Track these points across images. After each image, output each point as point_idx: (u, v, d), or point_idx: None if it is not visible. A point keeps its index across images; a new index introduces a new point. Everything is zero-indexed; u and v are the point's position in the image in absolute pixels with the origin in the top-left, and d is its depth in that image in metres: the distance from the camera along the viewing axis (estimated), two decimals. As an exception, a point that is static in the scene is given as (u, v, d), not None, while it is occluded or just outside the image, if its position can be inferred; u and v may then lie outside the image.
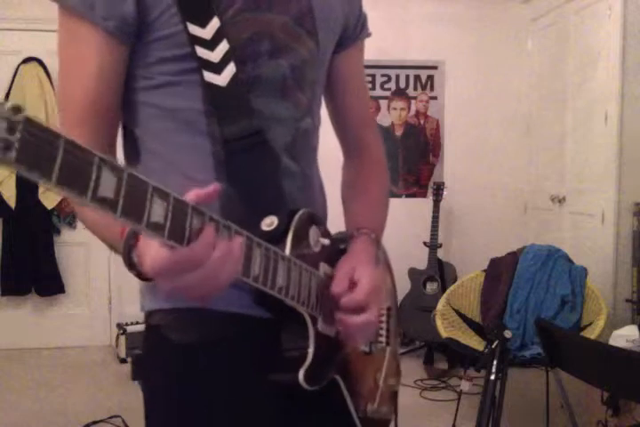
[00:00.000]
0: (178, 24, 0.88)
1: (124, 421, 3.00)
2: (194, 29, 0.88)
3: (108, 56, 0.89)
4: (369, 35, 1.14)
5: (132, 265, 0.72)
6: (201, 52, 0.88)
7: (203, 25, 0.88)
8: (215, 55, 0.89)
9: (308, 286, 0.86)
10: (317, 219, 0.93)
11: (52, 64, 4.08)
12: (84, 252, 4.27)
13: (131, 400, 3.22)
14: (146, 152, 0.95)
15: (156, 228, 0.60)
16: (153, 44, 0.90)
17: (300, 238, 0.87)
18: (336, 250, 0.99)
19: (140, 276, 0.73)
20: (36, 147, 0.49)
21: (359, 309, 0.92)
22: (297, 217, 0.87)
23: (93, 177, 0.53)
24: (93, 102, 0.89)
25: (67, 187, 0.52)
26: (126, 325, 3.87)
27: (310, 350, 0.87)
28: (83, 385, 3.58)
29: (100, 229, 0.85)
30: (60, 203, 4.17)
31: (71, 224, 4.27)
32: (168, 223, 0.61)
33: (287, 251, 0.83)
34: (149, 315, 0.98)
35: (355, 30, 1.10)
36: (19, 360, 4.02)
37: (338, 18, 1.05)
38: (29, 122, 0.48)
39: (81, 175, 0.53)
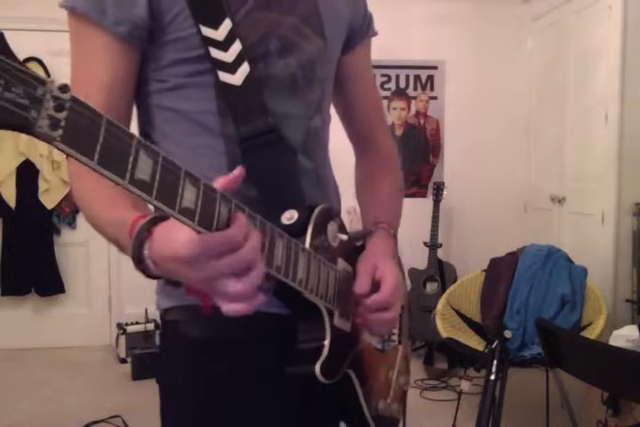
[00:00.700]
0: (191, 27, 0.89)
1: (123, 421, 3.00)
2: (207, 31, 0.89)
3: (120, 61, 0.89)
4: (375, 34, 1.16)
5: (141, 261, 0.71)
6: (215, 53, 0.89)
7: (215, 27, 0.89)
8: (229, 56, 0.90)
9: (327, 280, 0.87)
10: (335, 214, 0.94)
11: (52, 64, 4.07)
12: (83, 252, 4.27)
13: (131, 400, 3.22)
14: None
15: (187, 213, 0.60)
16: (166, 46, 0.90)
17: (319, 233, 0.88)
18: (353, 247, 1.01)
19: (149, 272, 0.72)
20: (81, 126, 0.50)
21: (382, 309, 0.95)
22: (316, 212, 0.88)
23: (131, 159, 0.54)
24: (107, 107, 0.89)
25: (107, 167, 0.52)
26: (126, 325, 3.86)
27: (326, 343, 0.88)
28: (83, 385, 3.58)
29: (108, 226, 0.84)
30: (60, 203, 4.17)
31: (71, 224, 4.26)
32: (198, 209, 0.61)
33: (307, 244, 0.85)
34: (165, 313, 0.99)
35: (361, 29, 1.12)
36: (19, 360, 4.02)
37: (344, 17, 1.07)
38: (75, 101, 0.49)
39: (120, 156, 0.53)
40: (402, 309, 1.13)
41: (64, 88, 0.48)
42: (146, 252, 0.70)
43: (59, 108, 0.48)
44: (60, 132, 0.48)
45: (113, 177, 0.53)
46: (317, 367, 0.86)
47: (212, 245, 0.64)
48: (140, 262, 0.71)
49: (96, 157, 0.51)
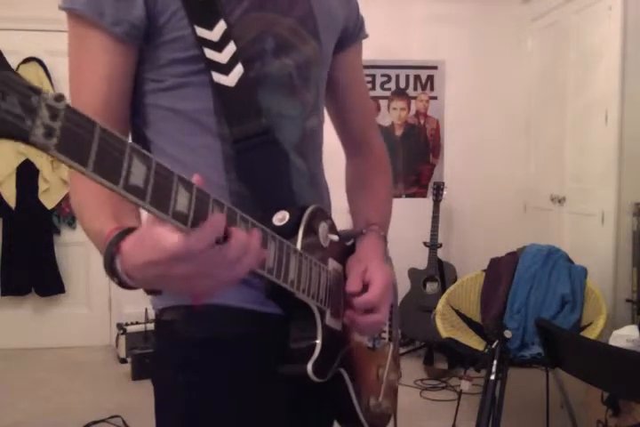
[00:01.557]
0: (186, 27, 0.89)
1: (124, 421, 3.01)
2: (201, 32, 0.89)
3: (118, 61, 0.90)
4: (366, 36, 1.17)
5: (115, 275, 0.71)
6: (209, 53, 0.90)
7: (210, 27, 0.90)
8: (223, 56, 0.90)
9: (318, 281, 0.88)
10: (326, 215, 0.95)
11: (52, 64, 4.07)
12: (83, 252, 4.26)
13: (131, 400, 3.22)
14: (158, 154, 0.95)
15: (180, 217, 0.60)
16: (162, 46, 0.91)
17: (311, 234, 0.89)
18: (343, 247, 1.02)
19: (125, 285, 0.71)
20: (75, 134, 0.50)
21: (371, 309, 0.95)
22: (307, 213, 0.89)
23: (125, 165, 0.54)
24: (105, 107, 0.90)
25: (102, 174, 0.53)
26: (126, 325, 3.87)
27: (318, 342, 0.89)
28: (83, 385, 3.58)
29: (93, 237, 0.83)
30: (60, 203, 4.18)
31: (71, 224, 4.26)
32: (191, 213, 0.61)
33: (298, 245, 0.85)
34: (161, 312, 0.99)
35: (353, 32, 1.13)
36: (19, 360, 4.02)
37: (338, 19, 1.08)
38: (69, 109, 0.49)
39: (114, 163, 0.54)
40: (392, 307, 1.14)
41: (59, 97, 0.48)
42: (118, 266, 0.70)
43: (53, 117, 0.48)
44: (55, 140, 0.48)
45: (107, 184, 0.53)
46: (309, 366, 0.87)
47: (191, 244, 0.62)
48: (113, 276, 0.71)
49: (91, 164, 0.51)
